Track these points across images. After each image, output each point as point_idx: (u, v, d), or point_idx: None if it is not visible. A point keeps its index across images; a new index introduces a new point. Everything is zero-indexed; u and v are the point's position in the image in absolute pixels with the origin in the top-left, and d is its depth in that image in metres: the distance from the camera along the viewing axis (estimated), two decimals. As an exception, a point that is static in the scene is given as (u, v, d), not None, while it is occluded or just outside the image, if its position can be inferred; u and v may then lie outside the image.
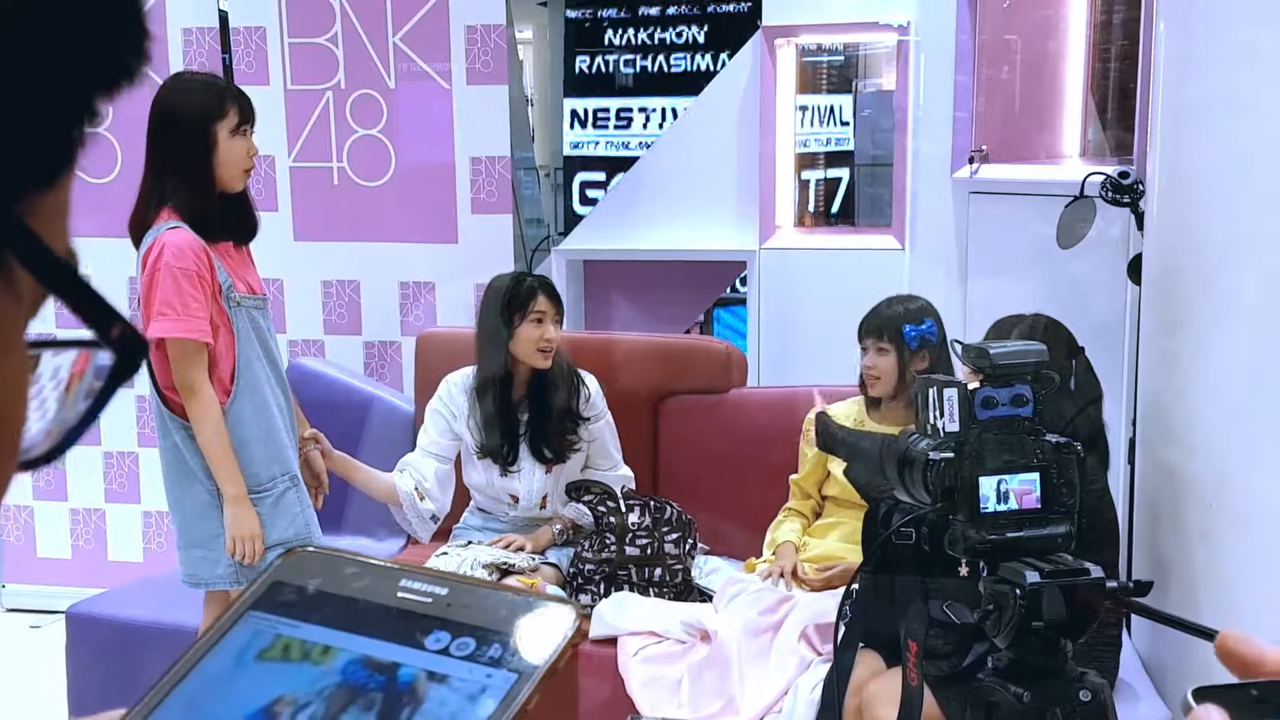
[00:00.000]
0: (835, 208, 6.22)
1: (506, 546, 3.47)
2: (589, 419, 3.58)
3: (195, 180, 2.90)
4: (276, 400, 3.05)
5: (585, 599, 3.44)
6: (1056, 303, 3.62)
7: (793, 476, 3.47)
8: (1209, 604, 2.46)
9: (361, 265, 4.43)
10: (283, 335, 4.36)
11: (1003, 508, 1.43)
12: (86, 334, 0.41)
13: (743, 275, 5.06)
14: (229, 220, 2.99)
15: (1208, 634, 1.31)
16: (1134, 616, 2.88)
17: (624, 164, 6.04)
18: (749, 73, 4.60)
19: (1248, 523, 2.37)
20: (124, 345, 0.40)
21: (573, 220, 6.17)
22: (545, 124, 7.76)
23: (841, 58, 6.12)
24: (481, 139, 4.31)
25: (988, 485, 1.43)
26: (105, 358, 0.41)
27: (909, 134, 4.46)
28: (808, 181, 6.03)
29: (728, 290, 5.62)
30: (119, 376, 0.40)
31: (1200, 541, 2.56)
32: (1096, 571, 1.39)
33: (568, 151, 6.70)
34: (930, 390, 1.46)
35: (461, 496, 3.66)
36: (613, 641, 3.27)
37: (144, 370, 3.05)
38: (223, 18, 4.43)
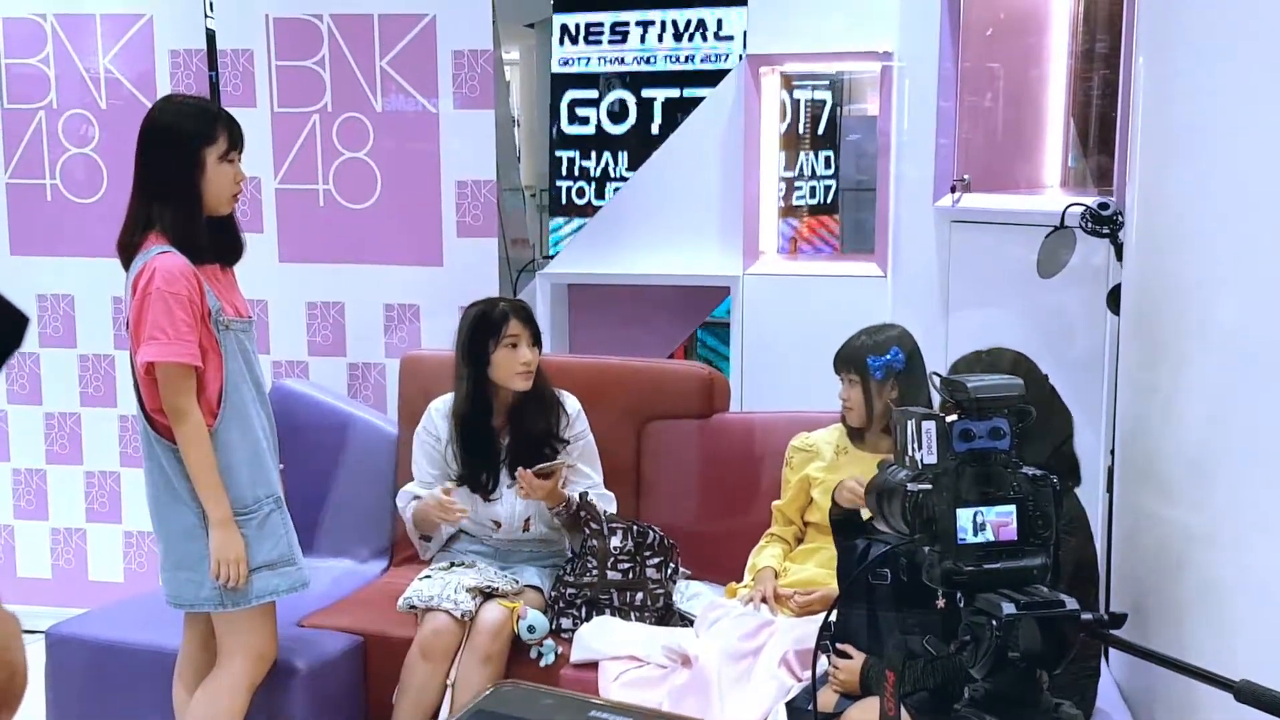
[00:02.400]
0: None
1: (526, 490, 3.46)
2: (569, 441, 3.59)
3: (183, 203, 2.92)
4: (261, 423, 3.05)
5: (566, 623, 3.45)
6: (1038, 332, 3.64)
7: (775, 503, 3.48)
8: (1190, 634, 2.48)
9: (346, 287, 4.44)
10: (266, 356, 4.37)
11: (979, 539, 1.45)
12: None
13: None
14: (216, 242, 3.00)
15: (1180, 667, 1.33)
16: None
17: (616, 80, 5.93)
18: (733, 100, 4.63)
19: (1226, 552, 2.38)
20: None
21: (563, 139, 6.03)
22: (531, 145, 7.79)
23: (826, 83, 6.16)
24: (467, 163, 4.33)
25: (964, 517, 1.45)
26: None
27: (892, 161, 4.49)
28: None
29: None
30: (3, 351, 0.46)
31: (1179, 571, 2.57)
32: (1072, 603, 1.41)
33: (556, 69, 6.29)
34: (909, 422, 1.48)
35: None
36: (594, 666, 3.28)
37: (133, 389, 3.06)
38: (210, 36, 4.45)
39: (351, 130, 4.37)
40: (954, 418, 1.47)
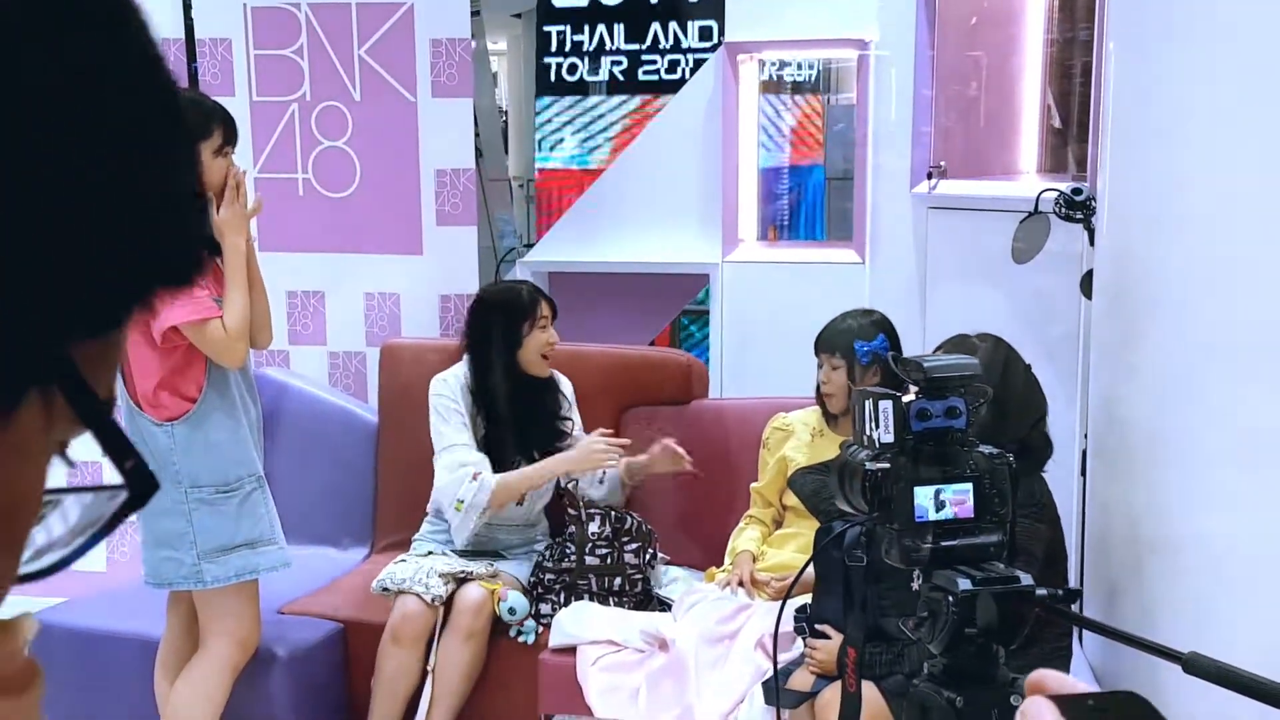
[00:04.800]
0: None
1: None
2: (571, 419, 3.64)
3: None
4: (244, 404, 3.08)
5: (545, 608, 3.47)
6: (1015, 317, 3.67)
7: (753, 485, 3.51)
8: (1164, 617, 2.50)
9: (327, 276, 4.45)
10: (256, 349, 4.37)
11: (937, 517, 1.47)
12: (98, 483, 0.46)
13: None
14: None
15: (1128, 639, 1.36)
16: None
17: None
18: (712, 87, 4.64)
19: (1194, 532, 2.41)
20: (134, 478, 0.45)
21: (551, 14, 5.60)
22: (519, 136, 7.78)
23: (813, 72, 6.16)
24: (446, 151, 4.34)
25: (923, 495, 1.47)
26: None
27: (869, 149, 4.51)
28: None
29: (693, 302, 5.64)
30: (128, 508, 0.46)
31: (1150, 555, 2.60)
32: (1027, 579, 1.43)
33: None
34: (866, 402, 1.50)
35: (419, 504, 3.68)
36: (572, 651, 3.30)
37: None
38: (188, 26, 4.44)
39: (330, 119, 4.37)
40: (911, 397, 1.49)
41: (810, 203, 6.27)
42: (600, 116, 5.67)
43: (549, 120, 5.78)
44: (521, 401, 3.55)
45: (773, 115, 6.10)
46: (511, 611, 3.37)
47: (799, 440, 3.41)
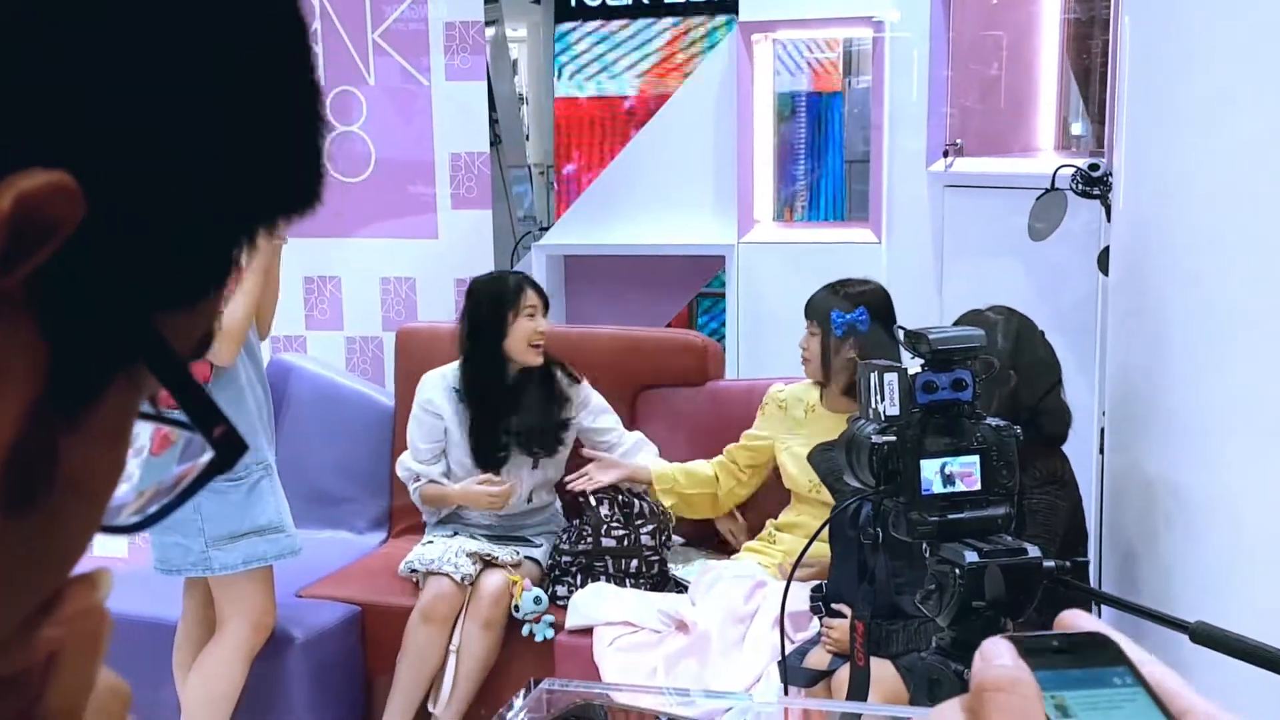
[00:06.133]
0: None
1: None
2: (575, 418, 3.62)
3: None
4: (253, 390, 3.09)
5: (562, 590, 3.48)
6: (1032, 294, 3.64)
7: (730, 446, 3.50)
8: (1180, 591, 2.49)
9: (343, 261, 4.45)
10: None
11: (944, 490, 1.46)
12: (179, 416, 0.43)
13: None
14: None
15: (1132, 608, 1.34)
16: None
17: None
18: (726, 67, 4.62)
19: (1212, 510, 2.39)
20: (223, 444, 0.42)
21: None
22: (538, 122, 7.76)
23: (834, 55, 6.11)
24: (460, 135, 4.33)
25: (930, 468, 1.46)
26: (193, 443, 0.43)
27: (885, 129, 4.49)
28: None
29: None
30: (214, 470, 0.43)
31: (1166, 528, 2.58)
32: (1034, 551, 1.42)
33: None
34: (871, 375, 1.49)
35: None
36: (589, 632, 3.30)
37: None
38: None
39: (345, 104, 4.38)
40: (917, 370, 1.48)
41: (830, 172, 6.17)
42: (627, 40, 5.56)
43: (569, 48, 5.65)
44: (511, 392, 3.55)
45: (791, 49, 5.95)
46: (537, 601, 3.38)
47: (794, 419, 3.37)
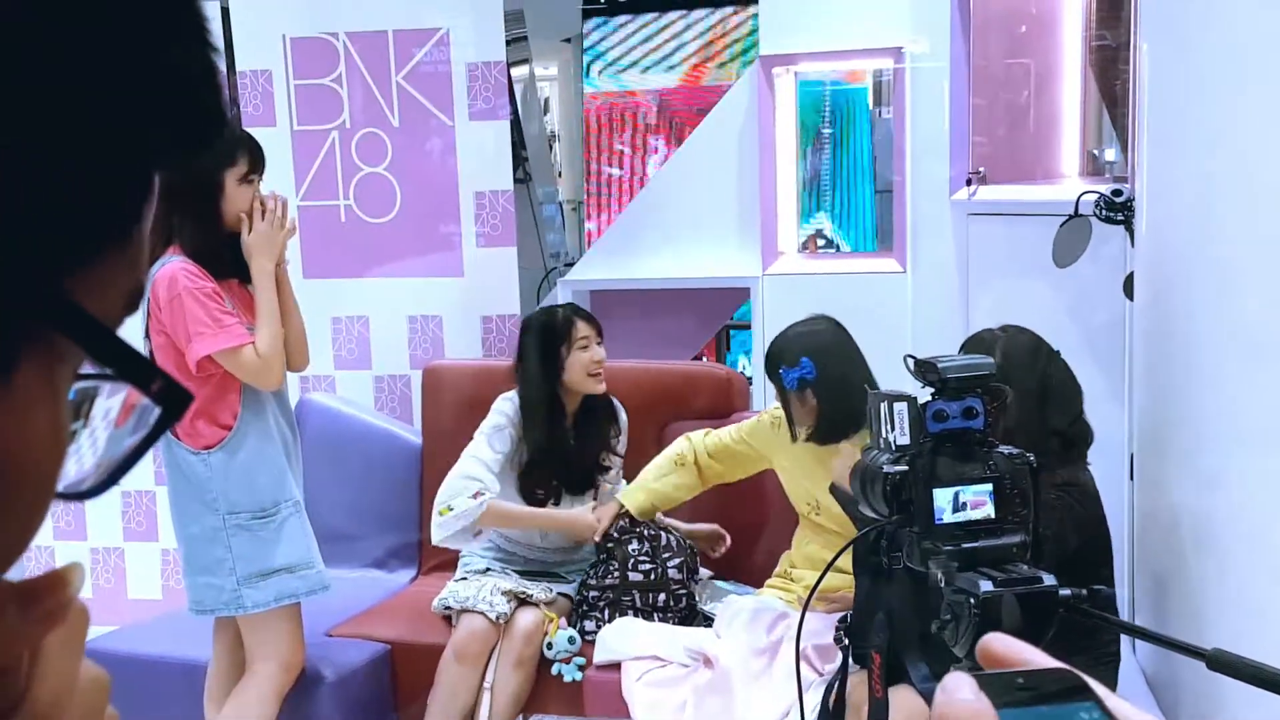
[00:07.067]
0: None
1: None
2: (621, 455, 3.65)
3: (202, 219, 2.97)
4: (281, 430, 3.11)
5: (590, 625, 3.47)
6: (1059, 320, 3.62)
7: (706, 436, 3.48)
8: (1210, 618, 2.46)
9: (370, 301, 4.49)
10: (294, 372, 4.42)
11: (957, 519, 1.45)
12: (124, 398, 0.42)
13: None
14: (237, 258, 3.05)
15: (1149, 636, 1.33)
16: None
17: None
18: (748, 101, 4.64)
19: (1242, 537, 2.37)
20: (166, 397, 0.41)
21: None
22: (571, 159, 7.81)
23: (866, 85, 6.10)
24: (484, 173, 4.36)
25: (942, 497, 1.45)
26: (147, 409, 0.42)
27: (908, 158, 4.49)
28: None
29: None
30: (163, 424, 0.42)
31: (1194, 554, 2.56)
32: (1050, 579, 1.41)
33: None
34: (881, 405, 1.48)
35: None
36: (617, 667, 3.29)
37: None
38: (229, 60, 4.50)
39: (370, 145, 4.42)
40: (927, 399, 1.48)
41: (859, 202, 6.14)
42: (659, 31, 5.59)
43: (597, 43, 5.70)
44: (573, 425, 3.57)
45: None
46: (570, 642, 3.38)
47: (785, 445, 3.33)
